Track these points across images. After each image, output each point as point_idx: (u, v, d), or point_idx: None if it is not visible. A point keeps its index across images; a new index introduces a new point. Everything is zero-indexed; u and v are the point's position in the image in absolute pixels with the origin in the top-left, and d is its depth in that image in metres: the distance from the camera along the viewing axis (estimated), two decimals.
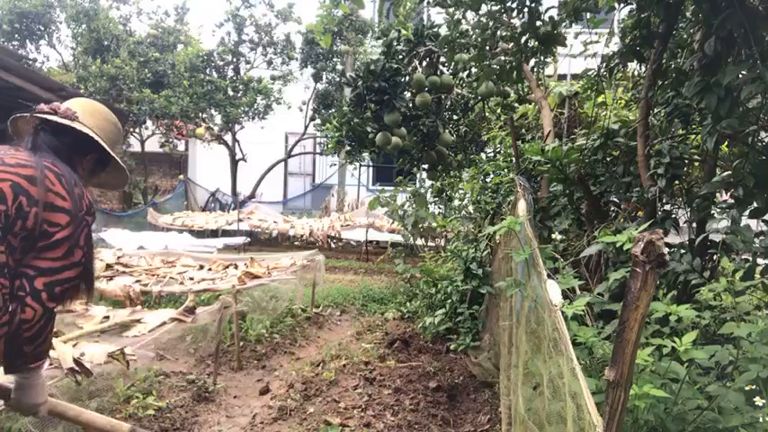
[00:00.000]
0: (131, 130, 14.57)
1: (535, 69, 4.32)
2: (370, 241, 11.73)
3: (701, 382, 2.15)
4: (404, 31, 4.70)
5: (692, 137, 3.39)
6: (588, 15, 3.47)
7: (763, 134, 2.70)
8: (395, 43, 4.63)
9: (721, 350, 2.14)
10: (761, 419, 1.81)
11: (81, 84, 13.11)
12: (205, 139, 14.74)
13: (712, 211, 2.95)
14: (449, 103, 5.42)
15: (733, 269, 2.53)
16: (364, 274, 9.77)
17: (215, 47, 14.40)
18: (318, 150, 16.28)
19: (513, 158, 4.98)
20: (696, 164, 3.59)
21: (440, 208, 7.77)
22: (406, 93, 4.72)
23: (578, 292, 2.76)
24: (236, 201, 13.96)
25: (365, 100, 4.57)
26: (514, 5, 3.20)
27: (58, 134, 1.71)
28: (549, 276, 2.16)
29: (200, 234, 11.25)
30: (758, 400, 1.87)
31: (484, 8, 3.37)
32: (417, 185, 7.91)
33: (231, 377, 4.71)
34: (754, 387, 1.92)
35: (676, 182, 3.20)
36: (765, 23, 2.27)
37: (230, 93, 14.01)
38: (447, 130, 5.26)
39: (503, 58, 3.53)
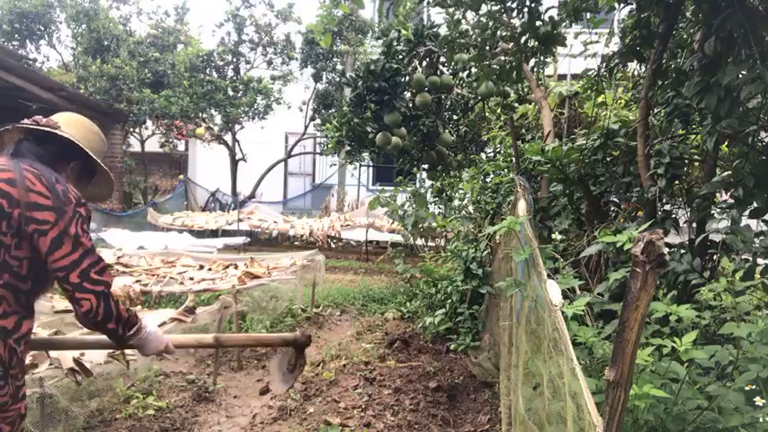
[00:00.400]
0: (131, 130, 14.56)
1: (535, 69, 4.32)
2: (370, 241, 11.73)
3: (701, 382, 2.15)
4: (404, 31, 4.70)
5: (692, 137, 3.39)
6: (588, 15, 3.47)
7: (763, 134, 2.70)
8: (395, 43, 4.63)
9: (721, 350, 2.14)
10: (761, 419, 1.81)
11: (81, 84, 13.10)
12: (205, 139, 14.73)
13: (712, 211, 2.95)
14: (449, 103, 5.42)
15: (733, 269, 2.53)
16: (364, 274, 9.77)
17: (215, 47, 14.38)
18: (318, 150, 16.27)
19: (513, 158, 4.98)
20: (696, 164, 3.59)
21: (440, 208, 7.77)
22: (406, 93, 4.72)
23: (578, 292, 2.76)
24: (236, 201, 13.95)
25: (365, 100, 4.57)
26: (514, 5, 3.19)
27: (41, 143, 1.76)
28: (549, 276, 2.16)
29: (201, 234, 11.24)
30: (758, 400, 1.86)
31: (484, 8, 3.36)
32: (417, 185, 7.91)
33: (231, 377, 4.72)
34: (754, 387, 1.92)
35: (676, 182, 3.20)
36: (765, 23, 2.27)
37: (230, 93, 13.99)
38: (447, 130, 5.26)
39: (503, 58, 3.53)
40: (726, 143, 3.24)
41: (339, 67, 14.18)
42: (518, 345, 2.69)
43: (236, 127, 14.83)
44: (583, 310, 2.22)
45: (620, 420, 1.34)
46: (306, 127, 15.17)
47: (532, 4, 3.15)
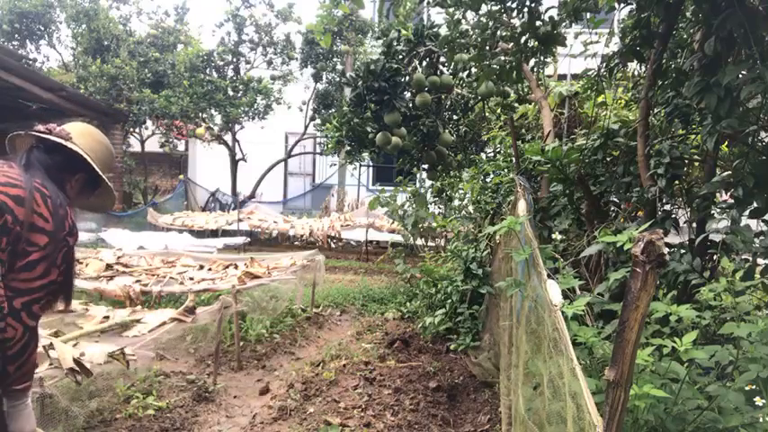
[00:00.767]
0: (131, 130, 14.56)
1: (535, 69, 4.32)
2: (370, 241, 11.73)
3: (701, 382, 2.15)
4: (404, 31, 4.70)
5: (692, 137, 3.39)
6: (588, 15, 3.47)
7: (763, 134, 2.70)
8: (395, 43, 4.63)
9: (721, 350, 2.14)
10: (761, 419, 1.81)
11: (81, 84, 13.10)
12: (205, 139, 14.73)
13: (712, 211, 2.95)
14: (449, 103, 5.43)
15: (733, 269, 2.53)
16: (364, 274, 9.77)
17: (215, 47, 14.38)
18: (318, 150, 16.27)
19: (513, 158, 4.98)
20: (696, 164, 3.59)
21: (440, 208, 7.77)
22: (406, 93, 4.72)
23: (578, 292, 2.76)
24: (236, 201, 13.94)
25: (365, 100, 4.57)
26: (514, 5, 3.19)
27: (51, 153, 1.78)
28: (549, 276, 2.16)
29: (201, 234, 11.24)
30: (758, 400, 1.86)
31: (484, 8, 3.36)
32: (417, 185, 7.91)
33: (231, 377, 4.72)
34: (754, 387, 1.92)
35: (676, 182, 3.20)
36: (765, 23, 2.27)
37: (230, 93, 13.99)
38: (447, 130, 5.26)
39: (503, 58, 3.53)
40: (726, 143, 3.24)
41: (339, 67, 14.18)
42: (518, 345, 2.69)
43: (236, 127, 14.83)
44: (583, 310, 2.22)
45: (620, 420, 1.34)
46: (306, 127, 15.17)
47: (532, 4, 3.15)
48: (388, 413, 3.92)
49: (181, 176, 16.32)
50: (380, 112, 4.55)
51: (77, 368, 2.97)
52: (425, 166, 5.43)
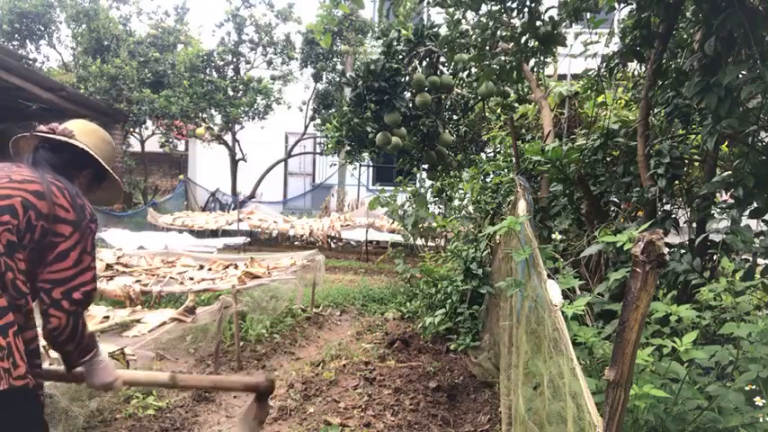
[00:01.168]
0: (131, 130, 14.56)
1: (535, 69, 4.32)
2: (370, 241, 11.73)
3: (701, 382, 2.15)
4: (404, 31, 4.71)
5: (692, 137, 3.39)
6: (588, 15, 3.47)
7: (763, 134, 2.70)
8: (395, 43, 4.64)
9: (721, 350, 2.14)
10: (761, 419, 1.81)
11: (81, 84, 13.10)
12: (205, 139, 14.73)
13: (712, 211, 2.95)
14: (449, 103, 5.43)
15: (733, 269, 2.53)
16: (364, 274, 9.77)
17: (215, 47, 14.38)
18: (318, 150, 16.27)
19: (513, 158, 4.98)
20: (696, 164, 3.59)
21: (440, 208, 7.77)
22: (406, 93, 4.72)
23: (578, 292, 2.76)
24: (236, 201, 13.94)
25: (365, 100, 4.57)
26: (514, 5, 3.20)
27: (56, 151, 1.84)
28: (549, 276, 2.16)
29: (201, 234, 11.24)
30: (758, 400, 1.86)
31: (484, 8, 3.37)
32: (417, 185, 7.91)
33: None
34: (754, 387, 1.92)
35: (676, 182, 3.20)
36: (765, 23, 2.27)
37: (230, 93, 13.99)
38: (447, 130, 5.26)
39: (503, 58, 3.53)
40: (726, 143, 3.24)
41: (339, 67, 14.18)
42: (518, 345, 2.69)
43: (236, 127, 14.83)
44: (583, 310, 2.22)
45: (620, 420, 1.34)
46: (306, 127, 15.17)
47: (532, 4, 3.15)
48: (388, 413, 3.92)
49: (181, 176, 16.32)
50: (380, 112, 4.55)
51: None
52: (425, 166, 5.43)
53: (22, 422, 1.54)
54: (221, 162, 15.50)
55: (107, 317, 4.19)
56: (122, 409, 3.79)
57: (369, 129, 4.94)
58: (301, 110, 15.15)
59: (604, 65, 3.68)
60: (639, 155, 3.05)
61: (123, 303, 5.10)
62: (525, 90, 5.01)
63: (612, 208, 3.91)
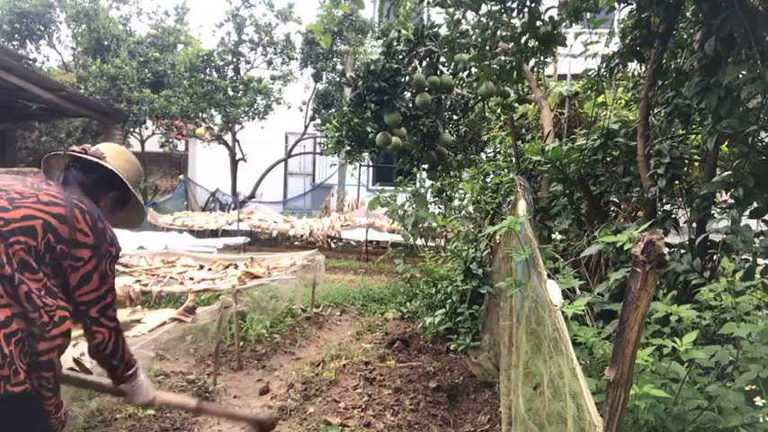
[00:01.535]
0: (131, 130, 14.56)
1: (535, 69, 4.32)
2: (370, 241, 11.72)
3: (701, 382, 2.15)
4: (404, 31, 4.70)
5: (692, 137, 3.39)
6: (588, 15, 3.47)
7: (763, 134, 2.70)
8: (395, 43, 4.64)
9: (721, 350, 2.14)
10: (761, 419, 1.81)
11: (81, 84, 13.10)
12: (205, 139, 14.72)
13: (712, 211, 2.95)
14: (449, 103, 5.43)
15: (733, 269, 2.53)
16: (364, 274, 9.77)
17: (215, 47, 14.38)
18: (318, 150, 16.26)
19: (513, 158, 4.98)
20: (696, 164, 3.59)
21: (440, 208, 7.77)
22: (406, 93, 4.72)
23: (578, 292, 2.76)
24: (236, 201, 13.93)
25: (365, 100, 4.57)
26: (514, 5, 3.19)
27: (86, 172, 1.91)
28: (549, 276, 2.16)
29: (201, 234, 11.23)
30: (758, 400, 1.86)
31: (484, 8, 3.37)
32: (417, 185, 7.91)
33: (231, 377, 4.71)
34: (754, 387, 1.92)
35: (676, 182, 3.20)
36: (765, 23, 2.27)
37: (230, 93, 13.98)
38: (447, 130, 5.26)
39: (503, 58, 3.53)
40: (726, 143, 3.24)
41: (339, 67, 14.17)
42: (518, 345, 2.69)
43: (236, 127, 14.83)
44: (583, 310, 2.22)
45: (620, 420, 1.34)
46: (306, 127, 15.16)
47: (532, 4, 3.15)
48: (388, 413, 3.92)
49: (181, 176, 16.31)
50: (380, 112, 4.55)
51: (77, 368, 2.97)
52: (425, 166, 5.43)
53: (23, 425, 1.57)
54: (221, 162, 15.50)
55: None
56: (122, 409, 3.79)
57: (369, 129, 4.94)
58: (301, 110, 15.15)
59: (604, 65, 3.68)
60: (639, 155, 3.05)
61: (123, 303, 5.09)
62: (525, 90, 5.01)
63: (612, 208, 3.91)
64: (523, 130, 5.56)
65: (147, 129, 15.21)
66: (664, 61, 3.07)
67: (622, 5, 3.23)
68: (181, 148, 17.17)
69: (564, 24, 3.23)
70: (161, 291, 5.31)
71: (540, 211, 3.99)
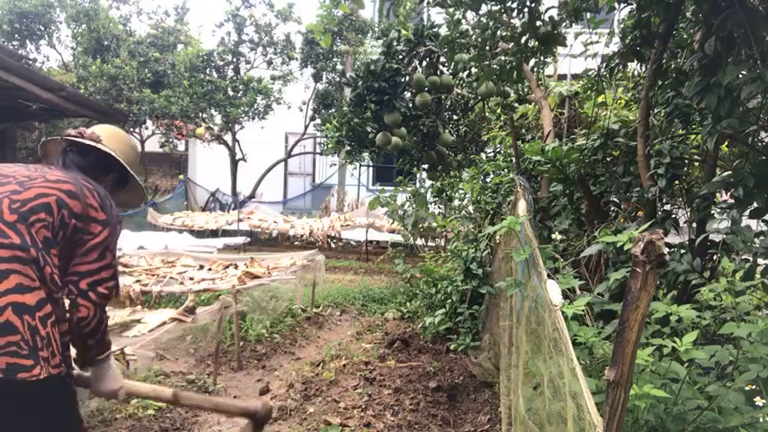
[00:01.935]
0: (131, 130, 14.56)
1: (535, 69, 4.32)
2: (370, 241, 11.73)
3: (701, 382, 2.15)
4: (404, 31, 4.71)
5: (692, 137, 3.39)
6: (588, 15, 3.47)
7: (763, 134, 2.70)
8: (395, 43, 4.64)
9: (721, 350, 2.14)
10: (761, 419, 1.81)
11: (81, 84, 13.10)
12: (205, 139, 14.72)
13: (712, 211, 2.95)
14: (449, 103, 5.43)
15: (733, 269, 2.53)
16: (364, 274, 9.77)
17: (215, 47, 14.38)
18: (318, 150, 16.26)
19: (513, 158, 4.98)
20: (696, 164, 3.59)
21: (440, 208, 7.77)
22: (406, 93, 4.72)
23: (578, 292, 2.76)
24: (236, 201, 13.93)
25: (365, 100, 4.57)
26: (514, 5, 3.19)
27: (84, 155, 1.92)
28: (549, 276, 2.16)
29: (201, 234, 11.23)
30: (758, 400, 1.86)
31: (484, 8, 3.36)
32: (417, 185, 7.91)
33: (231, 377, 4.71)
34: (754, 387, 1.92)
35: (676, 182, 3.20)
36: (765, 23, 2.27)
37: (230, 93, 13.98)
38: (447, 130, 5.26)
39: (503, 58, 3.53)
40: (726, 143, 3.24)
41: (339, 67, 14.17)
42: (518, 345, 2.69)
43: (236, 127, 14.83)
44: (583, 310, 2.22)
45: (620, 420, 1.34)
46: (306, 127, 15.16)
47: (532, 4, 3.15)
48: (388, 413, 3.92)
49: (181, 176, 16.31)
50: (380, 112, 4.55)
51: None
52: (425, 166, 5.43)
53: (61, 408, 1.61)
54: (221, 162, 15.50)
55: (107, 317, 4.19)
56: (122, 409, 3.79)
57: (369, 129, 4.94)
58: (301, 110, 15.15)
59: (604, 65, 3.68)
60: (639, 155, 3.05)
61: (123, 303, 5.09)
62: (525, 90, 5.01)
63: (612, 208, 3.91)
64: (523, 130, 5.56)
65: (147, 129, 15.21)
66: (664, 61, 3.07)
67: (622, 5, 3.23)
68: (181, 148, 17.18)
69: (564, 24, 3.23)
70: (161, 291, 5.31)
71: (540, 211, 3.99)
